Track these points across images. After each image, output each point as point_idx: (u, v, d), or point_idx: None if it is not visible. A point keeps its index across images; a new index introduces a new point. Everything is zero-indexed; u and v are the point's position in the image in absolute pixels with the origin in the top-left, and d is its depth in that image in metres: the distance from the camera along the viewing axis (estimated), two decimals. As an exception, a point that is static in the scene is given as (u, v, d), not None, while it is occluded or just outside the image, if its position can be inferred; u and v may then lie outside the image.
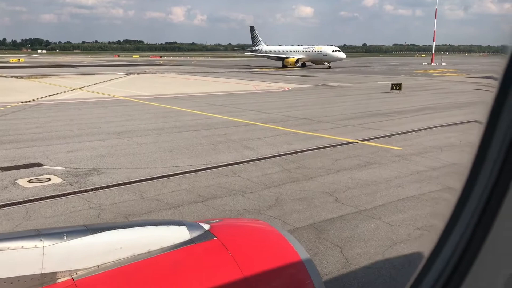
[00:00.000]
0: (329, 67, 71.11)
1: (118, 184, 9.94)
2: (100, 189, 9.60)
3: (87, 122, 18.55)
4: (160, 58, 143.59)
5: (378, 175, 10.83)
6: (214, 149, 13.51)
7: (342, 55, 71.22)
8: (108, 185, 9.83)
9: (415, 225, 7.73)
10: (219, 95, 30.73)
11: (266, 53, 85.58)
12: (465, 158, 1.11)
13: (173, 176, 10.58)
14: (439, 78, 49.79)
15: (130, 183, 9.98)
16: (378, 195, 9.29)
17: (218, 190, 9.55)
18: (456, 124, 18.34)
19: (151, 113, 21.44)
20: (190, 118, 19.72)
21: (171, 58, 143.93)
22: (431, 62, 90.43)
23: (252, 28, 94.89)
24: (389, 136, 15.76)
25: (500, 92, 0.99)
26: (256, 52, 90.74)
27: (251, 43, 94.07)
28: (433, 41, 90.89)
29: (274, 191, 9.52)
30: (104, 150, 13.28)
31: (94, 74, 55.03)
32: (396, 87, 31.70)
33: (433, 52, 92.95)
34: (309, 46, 75.25)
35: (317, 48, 72.94)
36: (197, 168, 11.27)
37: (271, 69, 68.89)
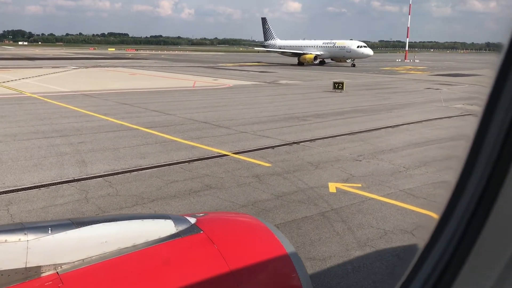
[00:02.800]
0: (353, 65, 61.69)
1: None
2: None
3: None
4: (135, 52, 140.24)
5: (198, 208, 8.32)
6: (37, 165, 10.89)
7: (368, 51, 61.67)
8: None
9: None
10: (143, 92, 28.02)
11: (280, 48, 76.20)
12: (459, 152, 1.11)
13: None
14: (400, 76, 47.53)
15: None
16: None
17: None
18: (368, 131, 15.94)
19: (35, 113, 18.67)
20: (70, 121, 17.04)
21: (148, 52, 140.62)
22: (405, 59, 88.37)
23: (264, 20, 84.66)
24: (273, 147, 13.28)
25: (494, 88, 0.99)
26: (268, 47, 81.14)
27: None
28: (407, 37, 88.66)
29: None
30: None
31: (41, 67, 51.80)
32: (338, 86, 29.32)
33: (407, 48, 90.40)
34: (330, 41, 66.02)
35: (340, 43, 63.83)
36: (-30, 196, 8.65)
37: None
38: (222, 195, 8.98)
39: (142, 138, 14.28)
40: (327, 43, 66.02)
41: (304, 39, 71.30)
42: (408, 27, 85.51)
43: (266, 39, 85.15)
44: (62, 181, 9.72)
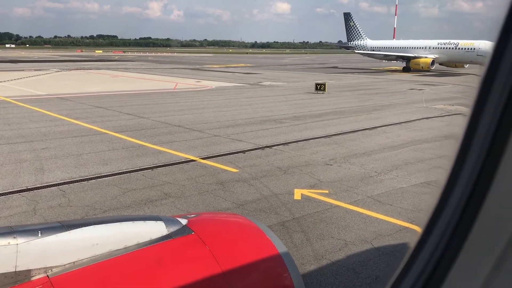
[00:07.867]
0: None
1: None
2: None
3: None
4: (122, 53, 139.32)
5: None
6: (-10, 174, 10.34)
7: None
8: None
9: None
10: (121, 94, 27.43)
11: (373, 50, 63.05)
12: (449, 151, 1.10)
13: None
14: (385, 76, 47.39)
15: None
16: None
17: None
18: (345, 133, 15.57)
19: (3, 118, 18.03)
20: (39, 126, 16.46)
21: (135, 54, 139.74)
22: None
23: (347, 16, 69.87)
24: (244, 152, 12.85)
25: (482, 88, 0.99)
26: (356, 49, 67.72)
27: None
28: (394, 38, 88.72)
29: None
30: None
31: (23, 70, 50.86)
32: (320, 87, 29.00)
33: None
34: (448, 41, 51.55)
35: (465, 43, 48.82)
36: None
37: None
38: (179, 204, 8.53)
39: (109, 143, 13.77)
40: (446, 44, 51.88)
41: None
42: (394, 28, 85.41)
43: (350, 39, 70.63)
44: (13, 191, 9.19)
